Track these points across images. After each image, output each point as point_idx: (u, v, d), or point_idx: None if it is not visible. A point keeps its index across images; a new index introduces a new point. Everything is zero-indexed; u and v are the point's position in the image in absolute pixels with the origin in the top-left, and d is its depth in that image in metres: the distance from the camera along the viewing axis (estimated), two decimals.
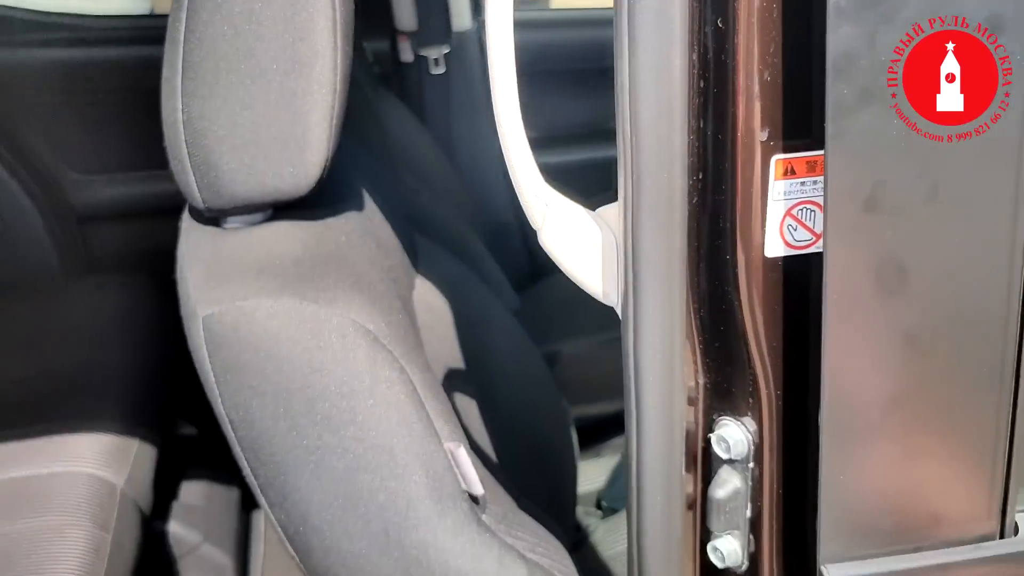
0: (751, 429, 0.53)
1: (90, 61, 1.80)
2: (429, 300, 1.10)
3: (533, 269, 2.02)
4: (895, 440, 0.50)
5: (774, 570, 0.57)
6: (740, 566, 0.57)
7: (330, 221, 0.79)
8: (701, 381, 0.54)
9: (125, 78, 1.78)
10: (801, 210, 0.47)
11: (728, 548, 0.57)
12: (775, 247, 0.48)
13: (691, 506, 0.58)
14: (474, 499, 0.69)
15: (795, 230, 0.47)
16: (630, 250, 0.50)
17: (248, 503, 1.77)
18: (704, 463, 0.56)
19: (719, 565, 0.57)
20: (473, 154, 2.15)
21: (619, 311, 0.54)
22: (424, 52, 2.04)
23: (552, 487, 1.29)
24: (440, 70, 2.06)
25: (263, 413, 0.65)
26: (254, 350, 0.64)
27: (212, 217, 0.73)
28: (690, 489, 0.57)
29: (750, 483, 0.55)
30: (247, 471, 0.68)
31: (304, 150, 0.68)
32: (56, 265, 1.84)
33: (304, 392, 0.64)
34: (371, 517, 0.66)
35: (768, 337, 0.50)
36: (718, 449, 0.54)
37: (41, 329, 1.66)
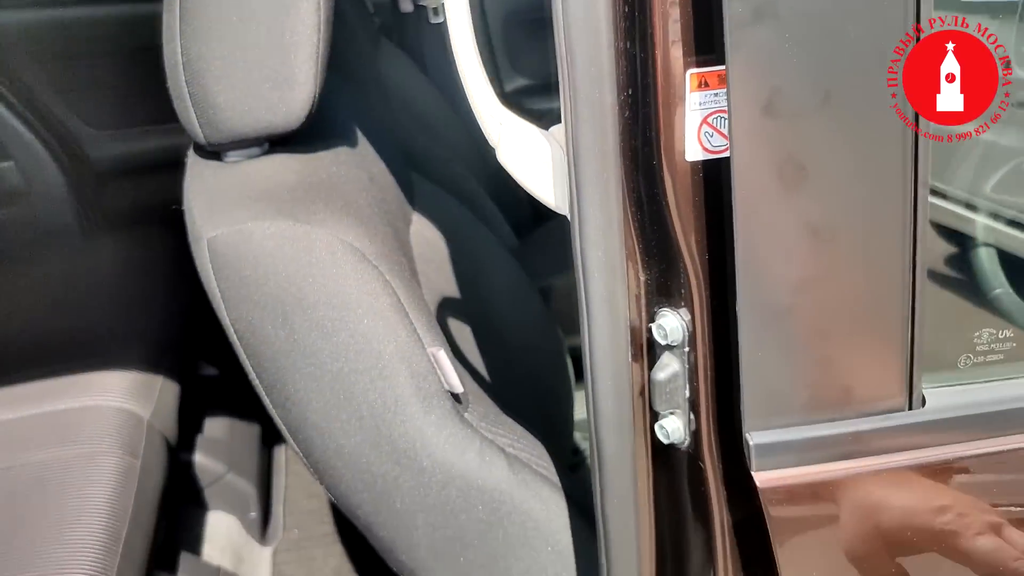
0: (686, 318, 0.61)
1: (101, 18, 1.87)
2: (426, 235, 1.17)
3: (534, 215, 2.08)
4: (805, 320, 0.57)
5: (712, 444, 0.64)
6: (683, 442, 0.65)
7: (323, 155, 0.86)
8: (643, 278, 0.61)
9: (134, 34, 1.84)
10: (716, 118, 0.53)
11: (672, 426, 0.64)
12: (694, 152, 0.54)
13: (641, 393, 0.66)
14: (456, 398, 0.78)
15: (711, 136, 0.54)
16: (572, 162, 0.57)
17: (268, 439, 1.88)
18: (649, 352, 0.64)
19: (665, 442, 0.65)
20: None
21: (568, 219, 0.61)
22: (423, 2, 2.09)
23: (550, 412, 1.38)
24: (439, 19, 2.11)
25: (264, 323, 0.73)
26: (253, 267, 0.72)
27: (214, 152, 0.80)
28: (639, 376, 0.65)
29: (687, 366, 0.62)
30: (252, 376, 0.76)
31: (293, 87, 0.75)
32: (76, 219, 1.93)
33: (299, 303, 0.72)
34: (363, 414, 0.74)
35: (694, 234, 0.57)
36: (658, 336, 0.61)
37: (66, 278, 1.76)
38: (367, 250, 0.75)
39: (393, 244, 0.85)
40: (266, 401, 0.76)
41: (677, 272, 0.60)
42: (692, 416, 0.64)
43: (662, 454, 0.67)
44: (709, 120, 0.53)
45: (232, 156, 0.80)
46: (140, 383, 1.48)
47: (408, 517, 0.77)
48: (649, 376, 0.64)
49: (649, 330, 0.62)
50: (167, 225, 1.83)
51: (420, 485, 0.76)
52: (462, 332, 1.07)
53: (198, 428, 1.72)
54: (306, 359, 0.73)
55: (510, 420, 0.86)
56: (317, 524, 1.76)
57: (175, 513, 1.53)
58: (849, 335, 0.58)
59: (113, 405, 1.41)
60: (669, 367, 0.62)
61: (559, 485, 0.82)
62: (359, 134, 1.04)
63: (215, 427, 1.76)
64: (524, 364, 1.31)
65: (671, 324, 0.61)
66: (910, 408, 0.61)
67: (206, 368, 1.89)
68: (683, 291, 0.60)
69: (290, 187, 0.77)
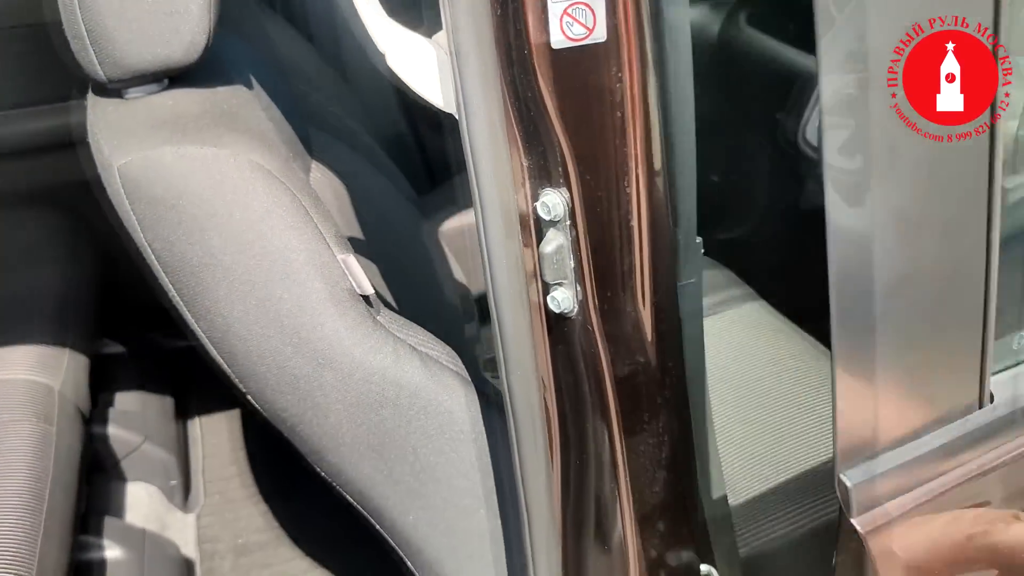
0: (565, 196, 0.69)
1: None
2: (325, 182, 1.22)
3: (431, 179, 2.14)
4: (897, 327, 0.54)
5: (596, 309, 0.73)
6: (572, 310, 0.74)
7: (222, 90, 0.91)
8: (526, 163, 0.69)
9: (12, 14, 1.81)
10: (575, 9, 0.62)
11: (562, 296, 0.73)
12: (559, 40, 0.63)
13: (534, 272, 0.74)
14: (368, 301, 0.84)
15: (572, 26, 0.62)
16: (455, 63, 0.65)
17: (182, 412, 1.90)
18: (537, 232, 0.72)
19: (557, 311, 0.73)
20: (364, 73, 2.22)
21: (456, 116, 0.69)
22: None
23: (459, 350, 1.45)
24: None
25: (180, 241, 0.77)
26: (166, 189, 0.77)
27: (115, 89, 0.84)
28: (529, 256, 0.73)
29: (570, 239, 0.70)
30: (172, 293, 0.81)
31: (189, 19, 0.79)
32: None
33: (212, 219, 0.77)
34: (282, 320, 0.80)
35: (565, 117, 0.66)
36: (543, 213, 0.70)
37: None
38: (274, 168, 0.80)
39: (295, 167, 0.90)
40: (187, 316, 0.81)
41: (555, 154, 0.68)
42: (578, 287, 0.73)
43: (555, 324, 0.75)
44: (569, 11, 0.62)
45: (133, 92, 0.84)
46: (47, 356, 1.48)
47: (333, 415, 0.83)
48: (538, 252, 0.72)
49: (535, 209, 0.70)
50: (59, 205, 1.81)
51: (340, 384, 0.82)
52: (367, 271, 1.12)
53: (110, 403, 1.73)
54: (224, 272, 0.78)
55: (417, 326, 0.93)
56: (238, 488, 1.79)
57: (94, 483, 1.54)
58: (934, 334, 0.55)
59: (21, 377, 1.41)
60: (555, 241, 0.70)
61: (469, 379, 0.90)
62: (254, 83, 1.08)
63: (127, 401, 1.76)
64: (427, 304, 1.38)
65: (553, 201, 0.69)
66: (980, 407, 0.59)
67: (113, 346, 1.89)
68: (560, 170, 0.68)
69: (195, 116, 0.82)
